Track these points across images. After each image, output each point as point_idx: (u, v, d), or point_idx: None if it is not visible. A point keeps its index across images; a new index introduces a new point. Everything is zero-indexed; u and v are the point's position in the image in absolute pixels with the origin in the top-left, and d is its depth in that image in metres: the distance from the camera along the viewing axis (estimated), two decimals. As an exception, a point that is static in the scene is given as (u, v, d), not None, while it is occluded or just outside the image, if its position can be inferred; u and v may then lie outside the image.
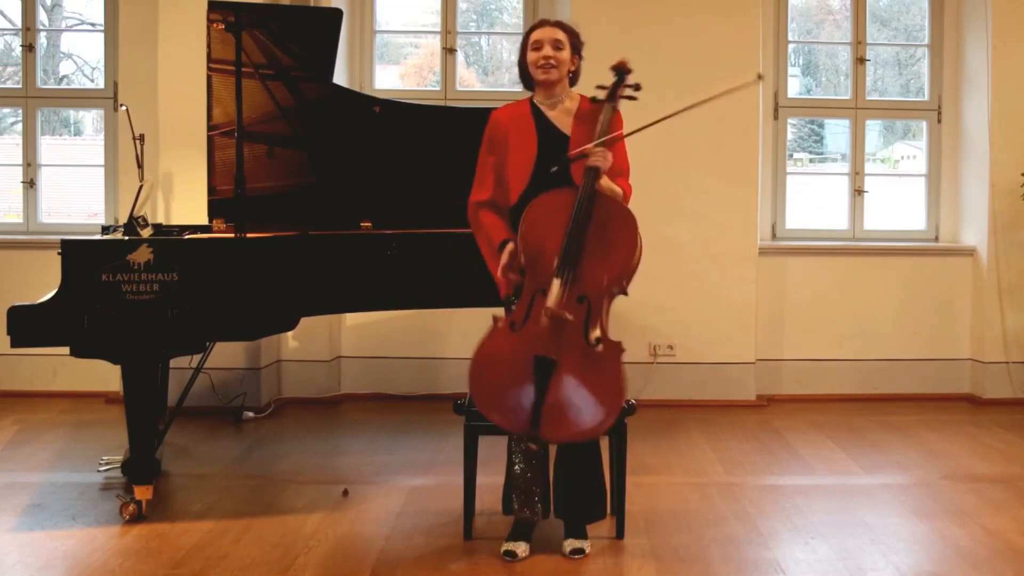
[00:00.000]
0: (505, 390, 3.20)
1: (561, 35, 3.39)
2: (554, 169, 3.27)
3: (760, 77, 3.23)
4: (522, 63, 3.44)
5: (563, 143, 3.37)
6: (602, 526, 3.61)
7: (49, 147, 6.23)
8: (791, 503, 4.01)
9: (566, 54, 3.39)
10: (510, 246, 3.31)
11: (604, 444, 3.73)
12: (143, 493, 3.73)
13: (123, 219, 4.64)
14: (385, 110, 4.49)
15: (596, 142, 3.24)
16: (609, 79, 3.36)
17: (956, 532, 3.67)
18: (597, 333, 3.20)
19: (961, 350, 6.02)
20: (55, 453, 4.64)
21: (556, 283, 3.18)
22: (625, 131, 3.38)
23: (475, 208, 3.45)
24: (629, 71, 3.36)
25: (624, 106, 3.38)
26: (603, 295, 3.25)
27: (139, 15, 5.66)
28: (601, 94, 3.35)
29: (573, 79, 3.48)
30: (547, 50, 3.36)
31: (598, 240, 3.22)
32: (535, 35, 3.39)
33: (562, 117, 3.42)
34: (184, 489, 4.15)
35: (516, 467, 3.50)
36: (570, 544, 3.42)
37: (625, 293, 3.30)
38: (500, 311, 3.43)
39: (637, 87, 3.35)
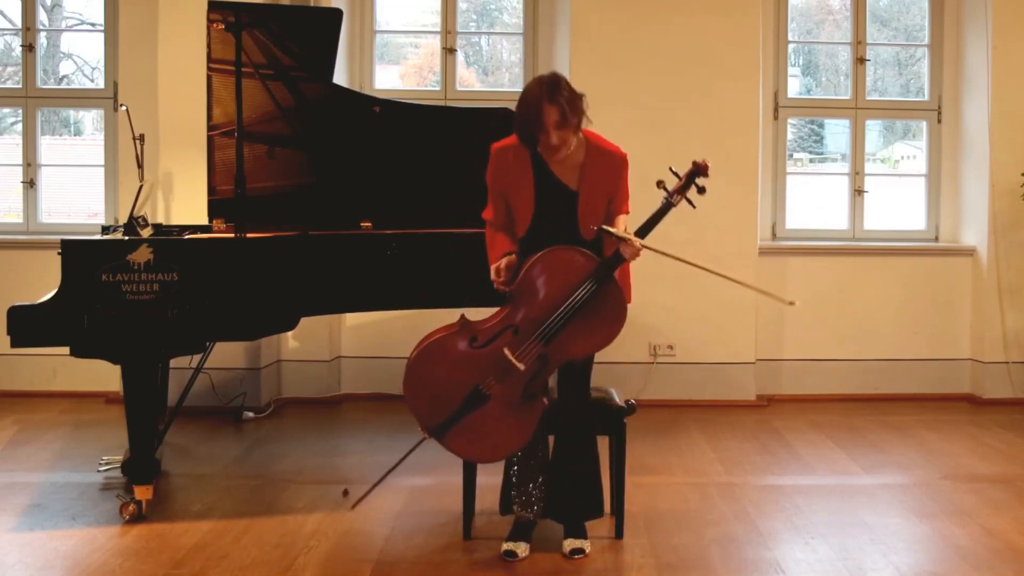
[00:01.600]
0: (434, 389, 3.32)
1: (558, 115, 3.15)
2: (594, 228, 3.25)
3: (792, 304, 3.41)
4: (527, 132, 3.22)
5: (562, 193, 3.33)
6: (602, 526, 3.61)
7: (49, 147, 6.23)
8: (791, 503, 4.01)
9: (569, 131, 3.21)
10: (510, 259, 3.33)
11: (603, 443, 3.73)
12: (143, 493, 3.73)
13: (123, 219, 4.64)
14: (385, 110, 4.49)
15: (642, 242, 3.17)
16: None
17: (956, 532, 3.67)
18: (534, 389, 3.32)
19: (961, 350, 6.02)
20: (55, 453, 4.64)
21: (531, 338, 3.26)
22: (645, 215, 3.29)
23: (488, 225, 3.48)
24: (706, 174, 3.21)
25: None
26: (560, 361, 3.36)
27: (139, 15, 5.66)
28: (669, 183, 3.24)
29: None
30: (556, 138, 3.19)
31: (586, 319, 3.26)
32: (544, 121, 3.16)
33: (566, 169, 3.33)
34: (184, 489, 4.15)
35: (514, 468, 3.50)
36: (570, 544, 3.42)
37: (579, 361, 3.40)
38: (478, 316, 3.43)
39: (702, 190, 3.23)
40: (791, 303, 3.49)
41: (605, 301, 3.26)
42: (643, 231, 3.24)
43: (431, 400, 3.32)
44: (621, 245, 3.18)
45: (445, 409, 3.31)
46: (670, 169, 3.26)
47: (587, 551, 3.42)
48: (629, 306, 3.35)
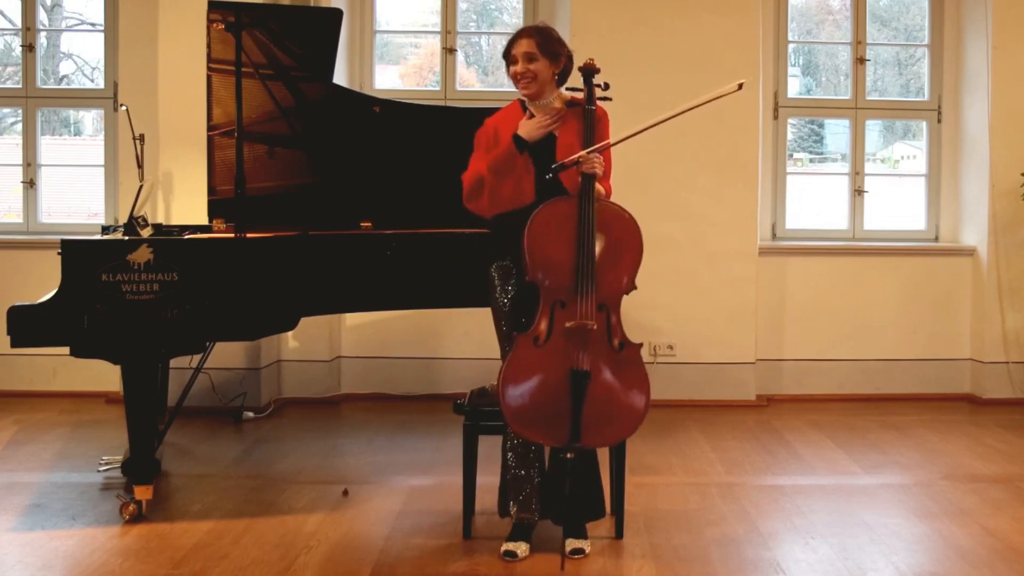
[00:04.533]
0: (541, 407, 3.23)
1: (531, 47, 3.34)
2: (548, 176, 3.27)
3: (741, 86, 3.26)
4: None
5: (552, 145, 3.38)
6: (602, 526, 3.61)
7: (49, 147, 6.23)
8: (791, 503, 4.01)
9: (540, 64, 3.35)
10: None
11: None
12: (143, 493, 3.73)
13: (123, 219, 4.64)
14: (385, 110, 4.49)
15: (588, 150, 3.24)
16: (614, 85, 3.35)
17: (956, 532, 3.67)
18: (619, 337, 3.28)
19: (961, 350, 6.02)
20: (55, 453, 4.64)
21: (578, 297, 3.21)
22: (612, 135, 3.38)
23: (465, 177, 3.44)
24: (596, 70, 3.35)
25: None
26: (619, 298, 3.32)
27: (139, 15, 5.66)
28: (577, 98, 3.37)
29: (561, 79, 3.45)
30: (520, 66, 3.36)
31: (607, 247, 3.26)
32: (510, 49, 3.39)
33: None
34: (184, 489, 4.15)
35: (512, 470, 3.50)
36: (571, 544, 3.41)
37: (635, 287, 3.36)
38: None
39: (606, 86, 3.36)
40: (739, 85, 3.30)
41: (609, 219, 3.27)
42: (588, 143, 3.28)
43: (547, 419, 3.23)
44: (580, 167, 3.22)
45: (563, 416, 3.21)
46: (566, 88, 3.41)
47: (587, 551, 3.41)
48: (629, 306, 3.35)
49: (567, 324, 3.21)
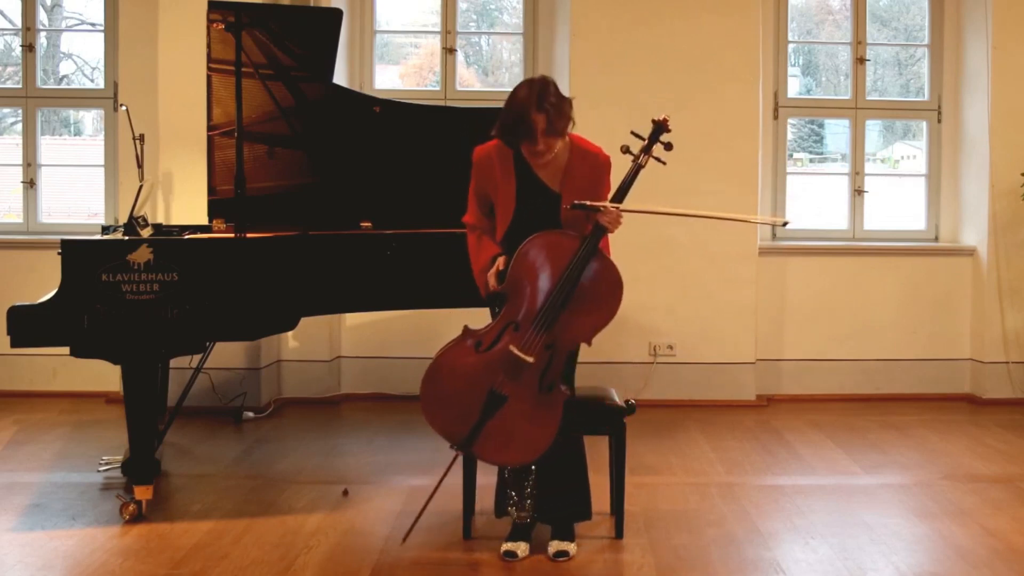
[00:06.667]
0: (452, 404, 3.29)
1: (545, 123, 3.16)
2: (567, 206, 3.24)
3: (785, 224, 3.36)
4: (511, 136, 3.23)
5: (544, 195, 3.33)
6: (602, 526, 3.62)
7: (49, 147, 6.23)
8: (791, 503, 4.01)
9: (555, 138, 3.22)
10: (501, 260, 3.31)
11: (602, 443, 3.73)
12: (143, 493, 3.73)
13: (123, 219, 4.64)
14: (385, 110, 4.49)
15: (626, 208, 3.22)
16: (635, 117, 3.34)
17: (956, 532, 3.67)
18: (552, 379, 3.29)
19: (961, 350, 6.02)
20: (55, 453, 4.64)
21: (532, 328, 3.24)
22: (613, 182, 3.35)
23: (469, 230, 3.46)
24: (668, 130, 3.29)
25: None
26: (570, 346, 3.34)
27: (139, 15, 5.66)
28: (634, 147, 3.32)
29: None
30: (540, 146, 3.20)
31: (584, 298, 3.26)
32: (530, 132, 3.16)
33: (549, 171, 3.34)
34: (184, 489, 4.15)
35: (509, 471, 3.49)
36: (555, 546, 3.40)
37: (589, 344, 3.35)
38: (477, 317, 3.41)
39: (669, 146, 3.30)
40: (784, 223, 3.45)
41: (598, 275, 3.26)
42: (617, 197, 3.27)
43: (452, 415, 3.29)
44: (599, 216, 3.20)
45: (467, 420, 3.27)
46: (632, 132, 3.31)
47: (571, 554, 3.38)
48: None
49: (511, 349, 3.23)
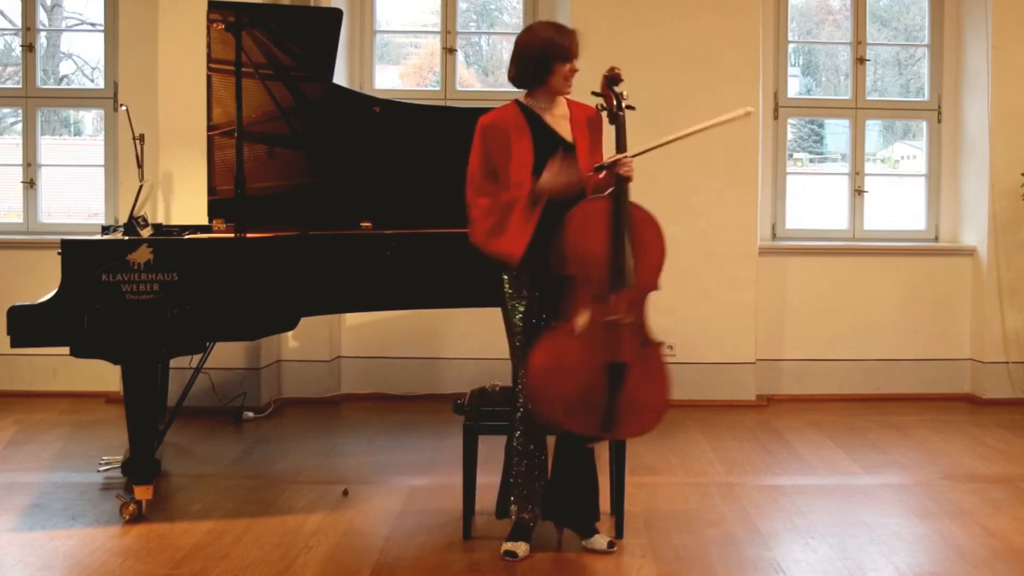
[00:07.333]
0: (577, 396, 3.26)
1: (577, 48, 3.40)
2: (601, 174, 3.33)
3: (749, 113, 3.41)
4: (539, 64, 3.35)
5: (560, 144, 3.37)
6: (602, 526, 3.61)
7: (49, 147, 6.23)
8: (791, 503, 4.01)
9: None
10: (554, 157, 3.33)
11: (602, 444, 3.73)
12: (143, 493, 3.73)
13: (123, 219, 4.64)
14: (385, 110, 4.49)
15: (633, 153, 3.31)
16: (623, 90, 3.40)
17: (956, 532, 3.67)
18: (644, 335, 3.35)
19: (961, 350, 6.02)
20: (55, 453, 4.64)
21: (612, 293, 3.28)
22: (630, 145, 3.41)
23: (476, 201, 3.37)
24: (620, 78, 3.42)
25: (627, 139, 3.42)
26: (646, 295, 3.39)
27: (139, 15, 5.66)
28: (603, 103, 3.43)
29: None
30: (577, 64, 3.40)
31: (638, 247, 3.32)
32: (572, 46, 3.36)
33: (560, 122, 3.43)
34: (184, 489, 4.15)
35: (516, 469, 3.48)
36: (597, 540, 3.46)
37: (658, 287, 3.41)
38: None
39: (630, 107, 3.43)
40: (747, 112, 3.51)
41: (640, 221, 3.33)
42: (621, 148, 3.35)
43: (584, 408, 3.26)
44: (618, 168, 3.29)
45: (598, 406, 3.26)
46: (592, 92, 3.43)
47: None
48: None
49: (607, 318, 3.26)
